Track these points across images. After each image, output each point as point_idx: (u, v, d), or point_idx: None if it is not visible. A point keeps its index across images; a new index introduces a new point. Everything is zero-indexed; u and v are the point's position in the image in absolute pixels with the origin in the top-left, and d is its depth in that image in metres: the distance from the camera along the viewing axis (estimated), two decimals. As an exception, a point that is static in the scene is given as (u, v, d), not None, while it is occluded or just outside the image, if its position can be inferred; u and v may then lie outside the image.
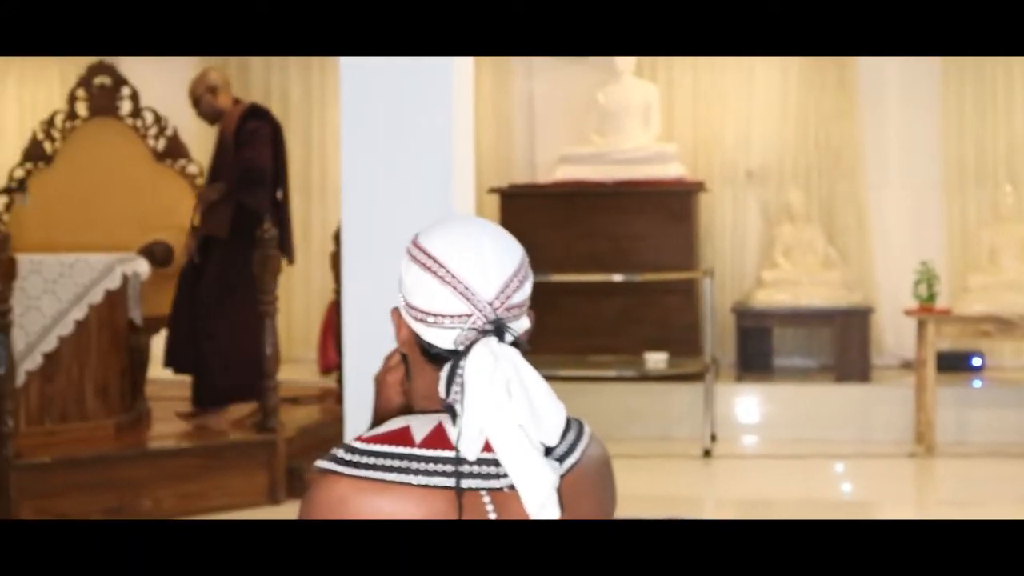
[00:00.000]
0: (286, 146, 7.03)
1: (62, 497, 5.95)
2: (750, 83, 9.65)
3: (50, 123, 8.00)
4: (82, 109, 7.99)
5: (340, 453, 1.75)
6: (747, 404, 8.59)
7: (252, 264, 6.57)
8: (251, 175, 6.72)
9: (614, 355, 8.59)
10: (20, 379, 6.07)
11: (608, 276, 8.41)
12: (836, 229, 9.49)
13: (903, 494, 7.47)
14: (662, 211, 9.11)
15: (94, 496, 6.02)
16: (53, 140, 7.96)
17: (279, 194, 6.93)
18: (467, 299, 1.77)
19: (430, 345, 1.81)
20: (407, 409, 1.97)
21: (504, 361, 1.74)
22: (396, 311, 1.86)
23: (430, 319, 1.79)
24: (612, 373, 8.18)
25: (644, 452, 7.75)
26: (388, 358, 2.00)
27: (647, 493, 6.75)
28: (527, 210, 9.02)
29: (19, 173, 7.98)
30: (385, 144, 4.50)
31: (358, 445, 1.76)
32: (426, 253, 1.81)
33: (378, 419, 1.99)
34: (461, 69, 4.58)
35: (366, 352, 4.52)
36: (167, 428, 6.94)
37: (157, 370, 7.22)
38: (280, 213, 6.90)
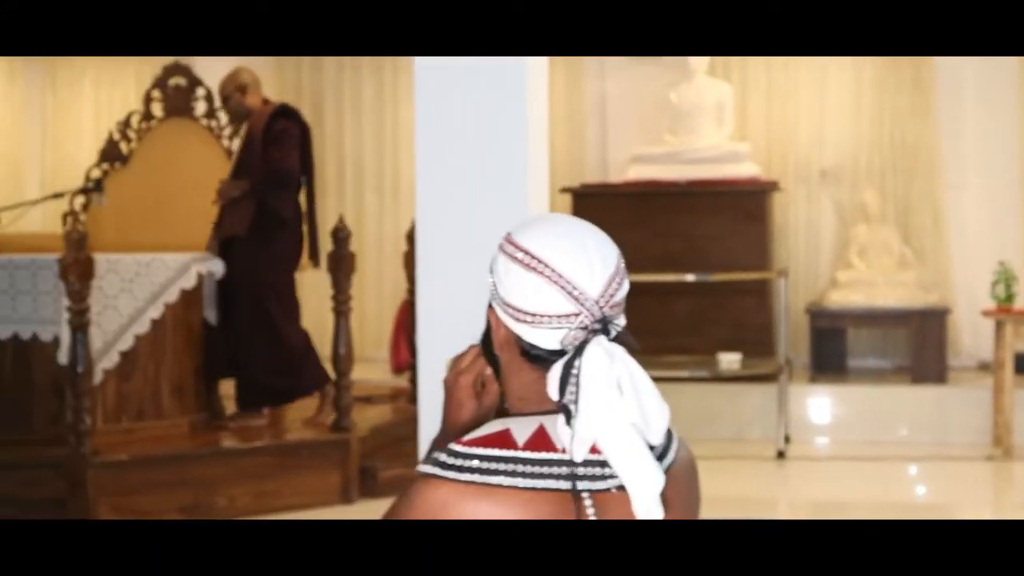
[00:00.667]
0: (313, 147, 7.07)
1: (138, 494, 6.00)
2: (824, 82, 9.56)
3: (126, 124, 8.08)
4: (158, 110, 8.05)
5: (442, 457, 1.72)
6: (821, 405, 8.51)
7: (276, 263, 6.62)
8: (278, 176, 6.74)
9: (687, 355, 8.55)
10: (98, 377, 6.13)
11: (681, 276, 8.36)
12: (912, 229, 9.38)
13: (980, 497, 7.37)
14: (735, 211, 9.04)
15: (170, 494, 6.07)
16: (129, 141, 8.04)
17: (305, 195, 6.98)
18: (574, 298, 1.74)
19: (532, 346, 1.78)
20: (481, 413, 1.95)
21: (617, 360, 1.72)
22: (492, 312, 1.83)
23: (534, 319, 1.76)
24: (685, 374, 8.13)
25: (717, 453, 7.69)
26: (457, 361, 1.96)
27: (720, 495, 6.68)
28: (599, 210, 8.97)
29: (96, 173, 8.06)
30: (459, 144, 4.49)
31: (460, 448, 1.72)
32: (528, 253, 1.77)
33: (449, 423, 1.97)
34: (536, 69, 4.56)
35: (440, 352, 4.51)
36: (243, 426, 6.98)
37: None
38: (309, 215, 6.95)
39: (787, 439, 7.89)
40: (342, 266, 6.56)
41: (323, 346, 9.17)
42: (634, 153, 9.53)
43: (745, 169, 9.22)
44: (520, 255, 1.77)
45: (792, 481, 7.61)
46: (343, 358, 6.58)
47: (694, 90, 9.44)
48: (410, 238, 7.24)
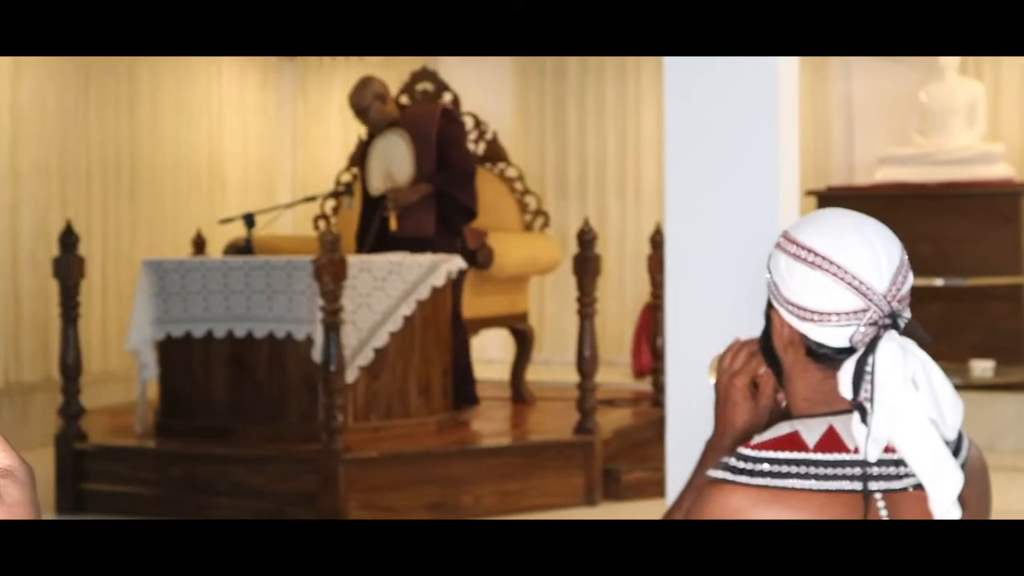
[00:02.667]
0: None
1: (387, 491, 6.11)
2: (1083, 80, 9.21)
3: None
4: (405, 115, 8.19)
5: (732, 461, 1.70)
6: (1079, 416, 8.19)
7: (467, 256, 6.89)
8: (466, 175, 7.11)
9: (937, 362, 8.31)
10: (352, 375, 6.27)
11: (930, 280, 8.15)
12: None
13: None
14: (987, 213, 8.76)
15: (417, 491, 6.17)
16: (378, 145, 8.19)
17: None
18: (862, 294, 1.71)
19: (819, 345, 1.74)
20: (756, 414, 1.92)
21: (910, 354, 1.68)
22: (775, 312, 1.80)
23: (822, 318, 1.73)
24: (936, 381, 7.90)
25: (969, 463, 7.44)
26: (729, 363, 1.94)
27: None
28: (845, 213, 8.80)
29: (346, 177, 8.26)
30: (708, 145, 4.46)
31: (749, 452, 1.70)
32: (811, 250, 1.74)
33: (724, 425, 1.94)
34: (786, 68, 4.50)
35: (688, 355, 4.49)
36: (487, 427, 7.07)
37: (476, 370, 7.35)
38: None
39: (1043, 450, 7.62)
40: (587, 268, 6.58)
41: (566, 349, 9.25)
42: (881, 155, 9.32)
43: (998, 170, 8.92)
44: (803, 253, 1.74)
45: (1049, 494, 7.34)
46: (587, 360, 6.59)
47: (945, 89, 9.17)
48: (654, 241, 7.22)
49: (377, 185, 7.24)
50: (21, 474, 0.92)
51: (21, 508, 0.90)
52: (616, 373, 9.48)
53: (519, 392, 7.74)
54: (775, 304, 1.79)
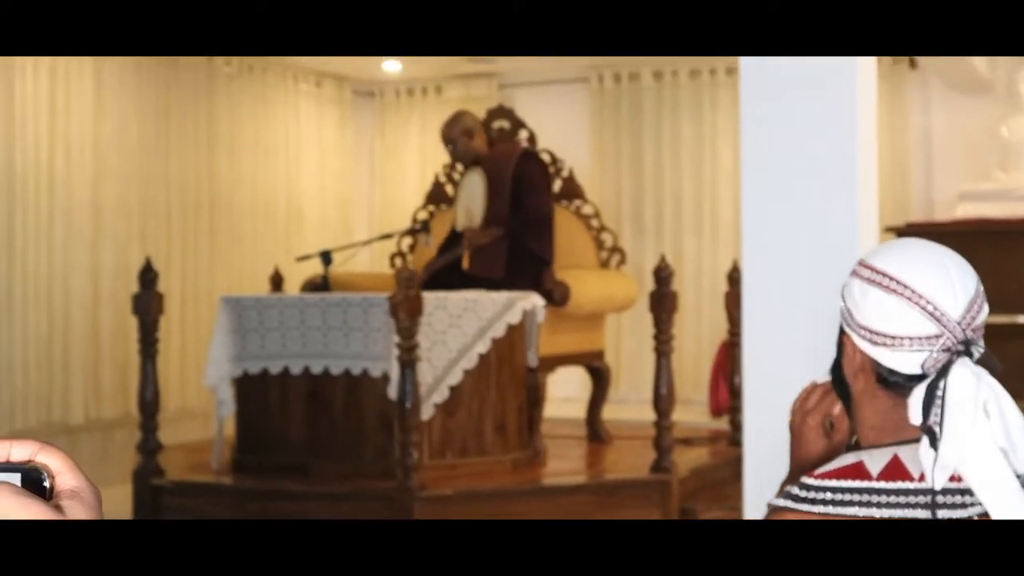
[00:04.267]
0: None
1: (462, 529, 6.08)
2: None
3: (452, 166, 8.28)
4: (482, 152, 8.23)
5: (795, 490, 1.69)
6: None
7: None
8: (540, 221, 7.05)
9: (1015, 400, 8.17)
10: (428, 413, 6.27)
11: (1014, 318, 8.03)
12: None
13: None
14: (1072, 250, 8.63)
15: (493, 529, 6.14)
16: (454, 182, 8.23)
17: None
18: (936, 319, 1.70)
19: (891, 371, 1.73)
20: (830, 452, 1.90)
21: (984, 382, 1.66)
22: (847, 338, 1.80)
23: (895, 342, 1.72)
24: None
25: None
26: (802, 401, 1.93)
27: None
28: (925, 250, 8.70)
29: (422, 215, 8.29)
30: (785, 181, 4.43)
31: (812, 481, 1.69)
32: (885, 274, 1.74)
33: (798, 463, 1.93)
34: (865, 102, 4.46)
35: (766, 393, 4.45)
36: (563, 465, 7.03)
37: (552, 408, 7.33)
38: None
39: None
40: (664, 305, 6.53)
41: (642, 387, 9.20)
42: (961, 190, 9.21)
43: (1083, 207, 8.80)
44: (878, 277, 1.74)
45: None
46: (664, 398, 6.54)
47: (1026, 124, 9.07)
48: (731, 279, 7.17)
49: (460, 221, 7.31)
50: (88, 496, 0.93)
51: None
52: (693, 412, 9.42)
53: (595, 430, 7.70)
54: (847, 330, 1.79)
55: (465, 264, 7.12)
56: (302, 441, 6.46)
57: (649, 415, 6.84)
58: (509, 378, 6.65)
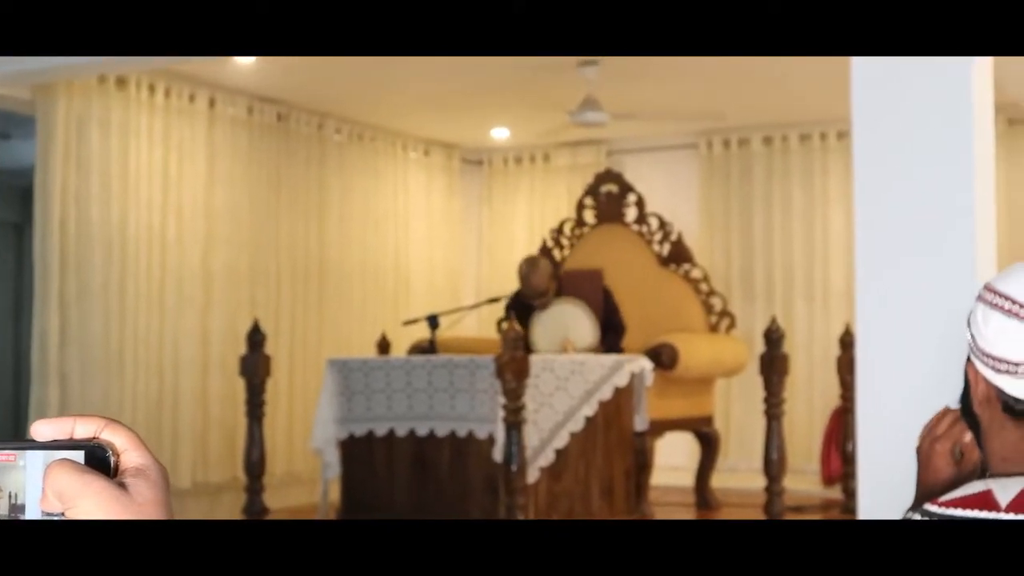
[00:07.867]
0: None
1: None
2: None
3: (559, 231, 8.26)
4: (589, 216, 8.21)
5: (916, 518, 1.61)
6: None
7: None
8: (620, 331, 7.35)
9: None
10: (533, 476, 6.20)
11: None
12: None
13: None
14: None
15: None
16: (562, 247, 8.21)
17: None
18: None
19: (1017, 400, 1.65)
20: (959, 481, 1.82)
21: None
22: (972, 366, 1.72)
23: (1017, 369, 1.63)
24: None
25: None
26: (932, 428, 1.86)
27: None
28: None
29: (529, 279, 8.25)
30: (900, 243, 4.33)
31: (935, 509, 1.60)
32: (1007, 297, 1.65)
33: (924, 491, 1.85)
34: (983, 154, 4.36)
35: (881, 459, 4.32)
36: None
37: (659, 476, 7.22)
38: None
39: None
40: (775, 367, 6.43)
41: (752, 455, 9.05)
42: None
43: None
44: (1000, 300, 1.66)
45: None
46: (775, 463, 6.42)
47: None
48: (843, 342, 7.04)
49: (548, 349, 7.26)
50: (154, 473, 0.91)
51: (152, 508, 0.89)
52: (805, 480, 9.22)
53: (704, 497, 7.56)
54: (972, 358, 1.71)
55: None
56: (407, 503, 6.42)
57: (759, 483, 6.71)
58: (616, 442, 6.57)
